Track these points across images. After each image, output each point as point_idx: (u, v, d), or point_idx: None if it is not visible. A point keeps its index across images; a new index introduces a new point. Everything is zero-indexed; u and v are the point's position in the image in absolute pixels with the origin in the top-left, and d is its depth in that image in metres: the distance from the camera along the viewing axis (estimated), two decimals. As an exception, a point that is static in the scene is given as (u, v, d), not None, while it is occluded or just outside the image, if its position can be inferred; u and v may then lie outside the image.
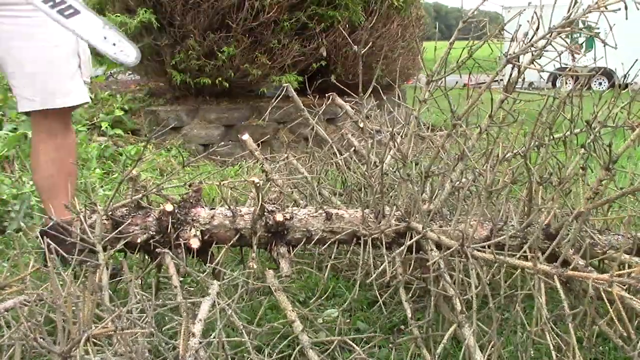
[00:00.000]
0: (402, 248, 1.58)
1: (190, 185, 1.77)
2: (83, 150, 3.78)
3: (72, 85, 1.96)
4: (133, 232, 1.71)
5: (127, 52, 1.65)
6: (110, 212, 1.72)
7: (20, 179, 3.11)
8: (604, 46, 1.36)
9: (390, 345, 1.65)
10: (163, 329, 1.49)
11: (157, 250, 1.65)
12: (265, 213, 1.69)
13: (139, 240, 1.69)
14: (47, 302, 1.25)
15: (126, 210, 1.75)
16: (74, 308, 1.08)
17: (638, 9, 1.33)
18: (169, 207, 1.71)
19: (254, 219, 1.69)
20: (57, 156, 1.98)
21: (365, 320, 1.86)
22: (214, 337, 1.32)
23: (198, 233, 1.70)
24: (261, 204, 1.66)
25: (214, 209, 1.78)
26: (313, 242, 1.69)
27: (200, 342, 1.27)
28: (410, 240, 1.60)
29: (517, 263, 1.35)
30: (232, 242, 1.71)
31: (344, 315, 1.78)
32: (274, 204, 1.73)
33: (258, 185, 1.64)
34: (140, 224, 1.72)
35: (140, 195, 1.72)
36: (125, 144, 4.34)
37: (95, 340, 1.08)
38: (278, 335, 1.57)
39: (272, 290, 1.58)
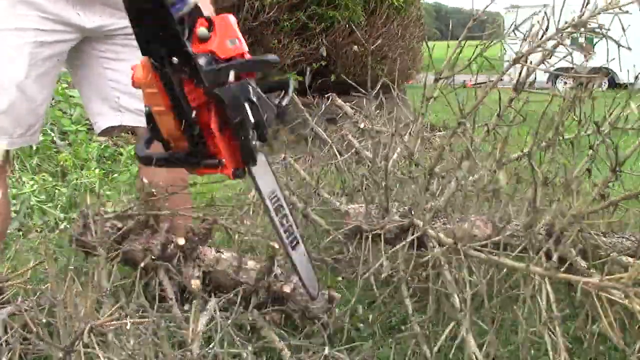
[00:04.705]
0: (403, 242, 1.56)
1: (203, 221, 1.74)
2: (83, 150, 3.77)
3: None
4: (135, 249, 1.69)
5: (313, 293, 1.56)
6: (115, 218, 1.71)
7: (20, 179, 3.10)
8: (619, 47, 1.35)
9: (391, 340, 1.65)
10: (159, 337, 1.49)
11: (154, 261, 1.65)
12: (271, 276, 1.67)
13: (142, 265, 1.66)
14: (48, 299, 1.24)
15: (133, 222, 1.73)
16: (75, 303, 1.07)
17: None
18: (181, 241, 1.69)
19: (257, 278, 1.66)
20: None
21: (364, 321, 1.85)
22: (213, 348, 1.32)
23: (200, 274, 1.69)
24: (270, 267, 1.64)
25: (221, 252, 1.75)
26: (307, 319, 1.66)
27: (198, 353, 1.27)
28: (412, 236, 1.59)
29: (510, 264, 1.34)
30: (231, 293, 1.67)
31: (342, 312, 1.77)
32: (280, 266, 1.69)
33: (276, 250, 1.63)
34: (143, 244, 1.70)
35: (153, 212, 1.71)
36: (126, 144, 4.33)
37: (95, 339, 1.07)
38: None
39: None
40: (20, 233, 2.60)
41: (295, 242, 1.39)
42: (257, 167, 1.26)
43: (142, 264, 1.65)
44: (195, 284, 1.64)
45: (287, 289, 1.64)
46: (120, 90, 1.77)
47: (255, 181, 1.28)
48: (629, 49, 1.33)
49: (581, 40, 1.65)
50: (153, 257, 1.67)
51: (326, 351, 1.45)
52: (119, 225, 1.75)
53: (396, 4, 5.51)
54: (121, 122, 1.78)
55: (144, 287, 1.67)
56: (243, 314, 1.58)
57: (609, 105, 1.59)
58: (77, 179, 3.16)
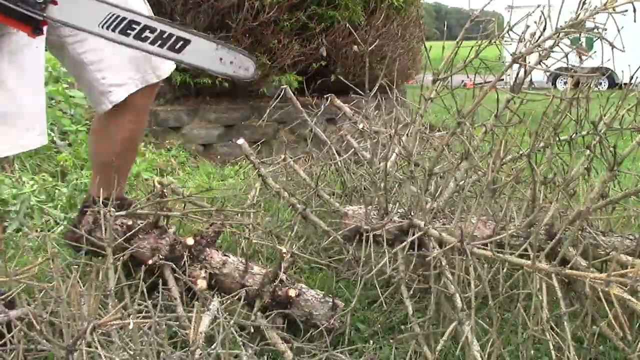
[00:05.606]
0: (404, 244, 1.57)
1: (211, 225, 1.75)
2: (83, 150, 3.77)
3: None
4: (142, 248, 1.70)
5: (246, 66, 1.44)
6: (125, 217, 1.72)
7: (20, 178, 3.10)
8: (612, 48, 1.36)
9: (391, 340, 1.65)
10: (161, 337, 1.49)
11: (160, 262, 1.65)
12: (277, 281, 1.67)
13: (149, 262, 1.66)
14: (52, 296, 1.23)
15: (141, 222, 1.74)
16: (78, 302, 1.08)
17: None
18: (189, 241, 1.71)
19: (263, 282, 1.67)
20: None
21: (364, 321, 1.86)
22: (215, 349, 1.32)
23: (207, 275, 1.69)
24: (276, 271, 1.65)
25: (227, 255, 1.76)
26: (309, 325, 1.66)
27: (200, 353, 1.27)
28: (412, 236, 1.59)
29: (516, 261, 1.35)
30: (235, 295, 1.65)
31: (343, 316, 1.77)
32: (285, 272, 1.70)
33: (283, 255, 1.64)
34: (152, 244, 1.70)
35: (165, 214, 1.71)
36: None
37: (98, 339, 1.07)
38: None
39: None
40: (20, 233, 2.60)
41: (180, 44, 1.28)
42: (63, 8, 1.15)
43: (149, 262, 1.66)
44: (202, 283, 1.65)
45: (292, 293, 1.65)
46: (102, 68, 1.72)
47: (70, 25, 1.16)
48: (623, 50, 1.33)
49: (581, 40, 1.65)
50: (161, 257, 1.68)
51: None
52: (128, 223, 1.75)
53: (396, 4, 5.51)
54: (113, 102, 1.76)
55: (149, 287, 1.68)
56: (246, 317, 1.59)
57: (606, 106, 1.59)
58: (77, 179, 3.16)
